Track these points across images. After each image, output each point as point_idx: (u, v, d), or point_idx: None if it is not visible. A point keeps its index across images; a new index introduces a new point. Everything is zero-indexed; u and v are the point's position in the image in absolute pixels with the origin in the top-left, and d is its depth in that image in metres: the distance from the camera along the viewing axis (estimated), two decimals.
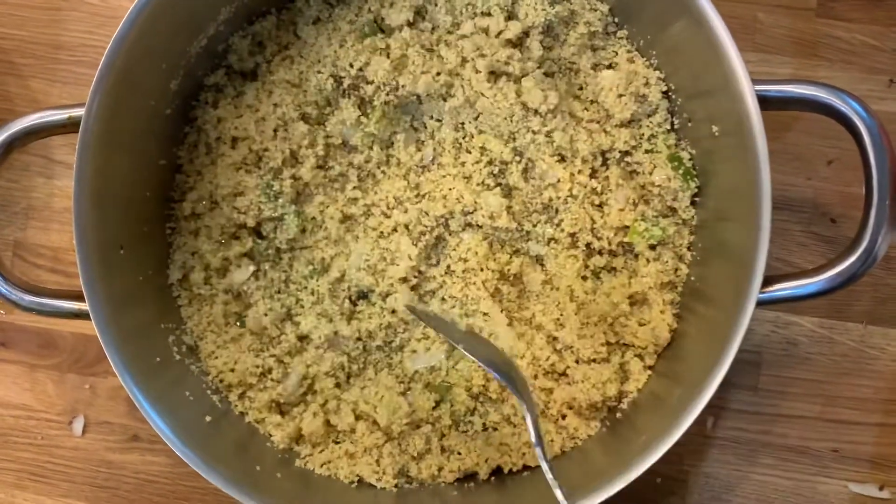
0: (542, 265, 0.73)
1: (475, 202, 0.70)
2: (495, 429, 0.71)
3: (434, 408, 0.72)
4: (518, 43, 0.71)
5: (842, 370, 0.78)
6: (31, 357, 0.81)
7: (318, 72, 0.70)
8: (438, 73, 0.70)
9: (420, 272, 0.72)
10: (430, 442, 0.71)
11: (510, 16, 0.70)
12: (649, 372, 0.71)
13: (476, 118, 0.71)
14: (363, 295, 0.72)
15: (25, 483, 0.81)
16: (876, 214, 0.61)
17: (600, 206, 0.72)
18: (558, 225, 0.71)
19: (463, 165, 0.71)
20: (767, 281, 0.62)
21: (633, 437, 0.66)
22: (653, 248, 0.71)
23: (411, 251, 0.70)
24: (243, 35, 0.72)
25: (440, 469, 0.70)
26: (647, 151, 0.71)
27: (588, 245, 0.72)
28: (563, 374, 0.72)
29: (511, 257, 0.72)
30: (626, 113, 0.70)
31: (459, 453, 0.71)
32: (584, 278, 0.72)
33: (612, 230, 0.71)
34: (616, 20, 0.72)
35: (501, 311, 0.71)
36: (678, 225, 0.71)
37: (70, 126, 0.64)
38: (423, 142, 0.73)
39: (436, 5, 0.71)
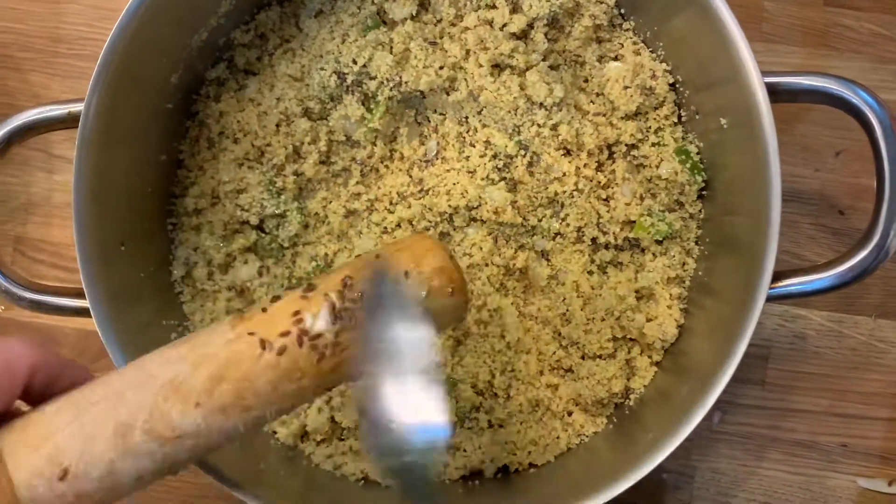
0: (548, 260, 0.72)
1: (479, 197, 0.70)
2: (501, 426, 0.71)
3: None
4: (522, 35, 0.70)
5: (851, 364, 0.77)
6: None
7: (322, 68, 0.70)
8: (441, 67, 0.69)
9: None
10: None
11: (514, 8, 0.69)
12: (656, 368, 0.70)
13: (480, 112, 0.71)
14: None
15: None
16: (888, 208, 0.60)
17: (606, 200, 0.71)
18: (564, 219, 0.71)
19: (467, 160, 0.71)
20: (777, 276, 0.61)
21: (641, 434, 0.65)
22: (660, 242, 0.71)
23: None
24: (245, 28, 0.72)
25: (445, 466, 0.70)
26: (653, 145, 0.71)
27: (594, 239, 0.71)
28: (569, 369, 0.71)
29: (516, 252, 0.71)
30: (632, 105, 0.70)
31: (465, 451, 0.70)
32: (591, 273, 0.71)
33: (618, 224, 0.70)
34: (622, 11, 0.71)
35: (511, 304, 0.71)
36: (685, 219, 0.70)
37: (70, 121, 0.64)
38: (426, 136, 0.72)
39: None
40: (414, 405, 0.45)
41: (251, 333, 0.48)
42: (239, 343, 0.47)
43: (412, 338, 0.47)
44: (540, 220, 0.71)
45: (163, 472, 0.47)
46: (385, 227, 0.71)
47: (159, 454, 0.45)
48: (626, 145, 0.71)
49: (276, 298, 0.50)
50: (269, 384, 0.48)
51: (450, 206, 0.70)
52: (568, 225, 0.70)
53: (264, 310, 0.49)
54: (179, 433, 0.45)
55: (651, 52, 0.71)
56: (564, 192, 0.70)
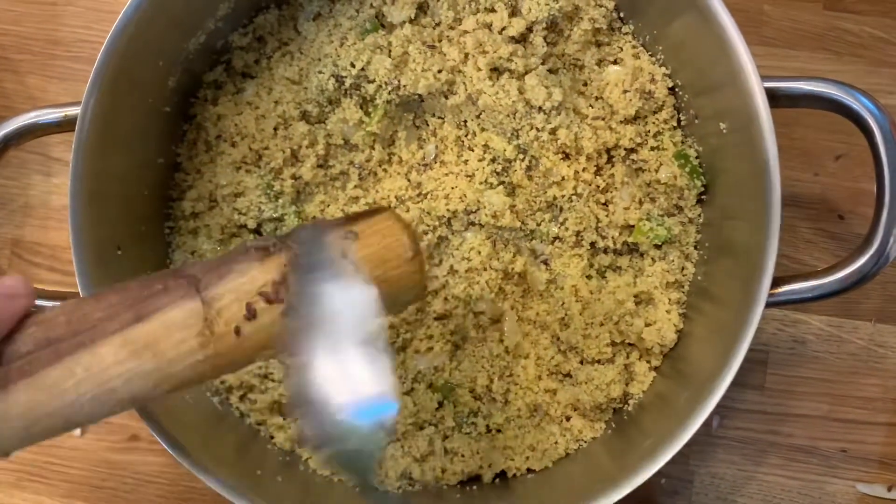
0: (547, 264, 0.72)
1: (478, 201, 0.69)
2: (499, 431, 0.71)
3: (437, 409, 0.71)
4: (521, 39, 0.70)
5: (850, 369, 0.77)
6: None
7: (320, 72, 0.70)
8: (440, 71, 0.69)
9: None
10: (434, 444, 0.70)
11: (513, 11, 0.69)
12: (655, 373, 0.70)
13: (478, 115, 0.70)
14: None
15: (24, 483, 0.80)
16: (888, 213, 0.60)
17: (605, 204, 0.71)
18: (563, 223, 0.70)
19: (465, 163, 0.70)
20: (776, 281, 0.61)
21: (639, 439, 0.65)
22: (658, 246, 0.71)
23: None
24: (243, 31, 0.71)
25: (443, 471, 0.70)
26: (652, 149, 0.71)
27: (593, 244, 0.71)
28: (568, 374, 0.71)
29: (515, 256, 0.71)
30: (631, 109, 0.69)
31: (463, 455, 0.70)
32: (589, 277, 0.71)
33: (617, 229, 0.70)
34: (621, 15, 0.71)
35: (512, 309, 0.71)
36: (684, 223, 0.70)
37: (66, 125, 0.64)
38: (424, 140, 0.72)
39: (438, 0, 0.70)
40: (355, 382, 0.39)
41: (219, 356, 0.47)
42: (206, 365, 0.46)
43: (350, 303, 0.41)
44: (539, 225, 0.71)
45: None
46: None
47: None
48: (625, 149, 0.71)
49: (251, 312, 0.46)
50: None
51: (448, 209, 0.70)
52: (567, 229, 0.70)
53: (238, 332, 0.46)
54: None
55: (650, 55, 0.71)
56: (563, 196, 0.70)
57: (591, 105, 0.71)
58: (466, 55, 0.69)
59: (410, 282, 0.52)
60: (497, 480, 0.71)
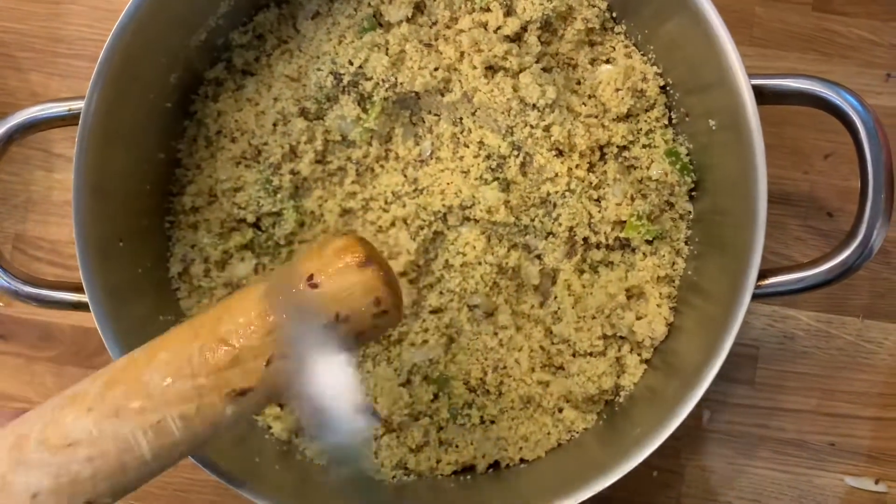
0: (540, 259, 0.73)
1: (473, 196, 0.70)
2: (493, 422, 0.72)
3: (432, 400, 0.72)
4: (516, 38, 0.71)
5: (839, 364, 0.78)
6: (30, 349, 0.82)
7: (318, 69, 0.71)
8: (436, 69, 0.70)
9: (418, 266, 0.72)
10: (429, 434, 0.71)
11: (508, 11, 0.70)
12: (645, 366, 0.71)
13: (474, 113, 0.71)
14: None
15: None
16: (871, 208, 0.61)
17: (598, 200, 0.72)
18: (556, 219, 0.71)
19: (461, 160, 0.72)
20: (763, 274, 0.62)
21: (629, 429, 0.66)
22: (650, 242, 0.72)
23: (410, 245, 0.70)
24: (243, 29, 0.73)
25: (438, 461, 0.71)
26: (644, 146, 0.72)
27: (585, 239, 0.72)
28: (560, 367, 0.72)
29: (509, 251, 0.72)
30: (623, 108, 0.71)
31: (457, 446, 0.71)
32: (582, 272, 0.72)
33: (609, 225, 0.71)
34: (614, 15, 0.72)
35: (506, 303, 0.72)
36: (675, 219, 0.71)
37: (70, 119, 0.65)
38: (421, 136, 0.73)
39: (434, 0, 0.71)
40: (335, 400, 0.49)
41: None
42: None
43: (334, 374, 0.50)
44: (532, 220, 0.72)
45: (62, 490, 0.45)
46: (380, 227, 0.72)
47: (53, 465, 0.44)
48: (618, 147, 0.72)
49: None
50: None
51: (444, 205, 0.71)
52: (560, 225, 0.71)
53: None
54: (71, 441, 0.44)
55: (642, 55, 0.72)
56: (556, 192, 0.71)
57: (584, 103, 0.72)
58: (462, 53, 0.70)
59: (380, 320, 0.53)
60: (491, 470, 0.72)
